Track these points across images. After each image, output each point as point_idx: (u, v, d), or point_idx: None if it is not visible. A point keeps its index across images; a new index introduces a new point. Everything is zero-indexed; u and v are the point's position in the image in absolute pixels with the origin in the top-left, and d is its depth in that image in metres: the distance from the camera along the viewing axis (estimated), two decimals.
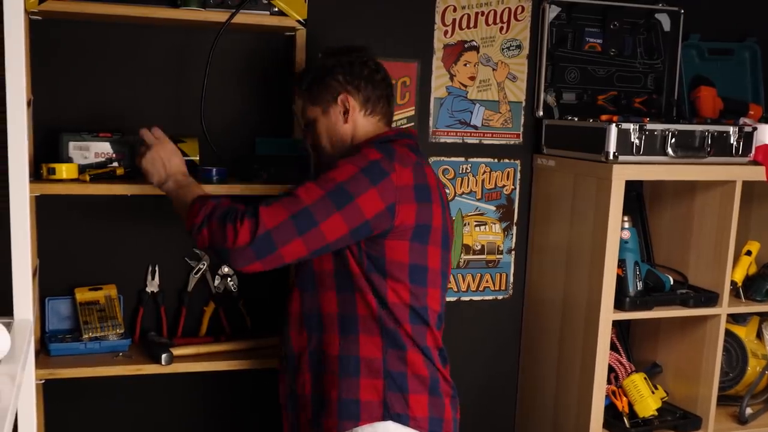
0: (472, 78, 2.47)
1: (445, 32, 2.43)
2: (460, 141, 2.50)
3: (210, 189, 2.07)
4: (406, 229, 1.69)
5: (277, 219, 1.62)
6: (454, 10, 2.42)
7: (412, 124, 2.44)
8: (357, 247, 1.70)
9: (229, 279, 2.32)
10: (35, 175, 2.02)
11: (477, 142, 2.52)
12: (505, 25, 2.48)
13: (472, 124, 2.49)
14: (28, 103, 2.07)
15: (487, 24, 2.45)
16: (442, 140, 2.48)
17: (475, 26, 2.45)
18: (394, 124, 2.40)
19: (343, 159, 1.72)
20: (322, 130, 1.86)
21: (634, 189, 2.57)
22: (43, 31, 2.07)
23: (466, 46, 2.45)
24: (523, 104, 2.55)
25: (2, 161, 2.05)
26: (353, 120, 1.84)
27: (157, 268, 2.28)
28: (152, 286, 2.28)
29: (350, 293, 1.72)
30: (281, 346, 1.91)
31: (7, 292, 1.65)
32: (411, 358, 1.73)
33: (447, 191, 2.49)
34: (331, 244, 1.66)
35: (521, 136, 2.56)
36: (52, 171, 1.99)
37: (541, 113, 2.53)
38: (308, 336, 1.79)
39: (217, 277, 2.32)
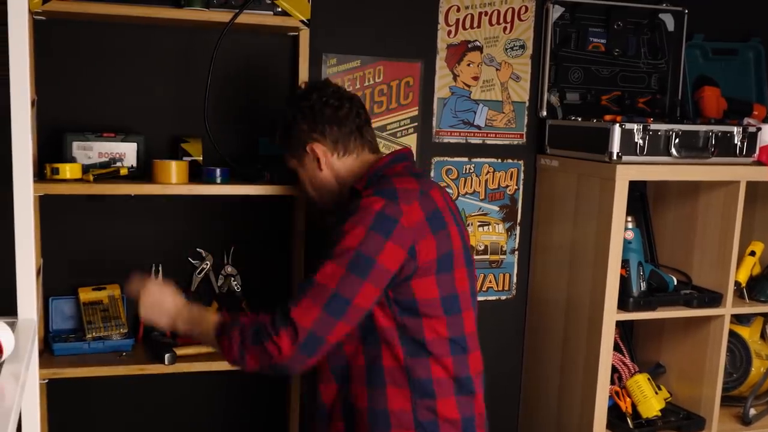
0: (476, 78, 2.47)
1: (449, 32, 2.42)
2: (464, 141, 2.50)
3: (214, 189, 2.08)
4: (430, 264, 1.63)
5: (311, 316, 1.55)
6: (458, 10, 2.42)
7: (416, 124, 2.44)
8: (385, 297, 1.62)
9: (232, 279, 2.32)
10: (39, 175, 2.02)
11: (480, 142, 2.52)
12: (508, 25, 2.47)
13: (475, 124, 2.49)
14: (32, 103, 2.07)
15: (490, 24, 2.45)
16: (445, 140, 2.48)
17: (479, 26, 2.45)
18: (397, 125, 2.41)
19: (347, 222, 1.60)
20: (305, 179, 1.86)
21: (637, 189, 2.56)
22: (46, 31, 2.07)
23: (469, 46, 2.45)
24: (527, 104, 2.54)
25: (6, 161, 2.06)
26: (329, 165, 1.80)
27: (160, 268, 2.28)
28: None
29: (377, 345, 1.65)
30: (310, 397, 1.83)
31: (11, 291, 1.66)
32: (441, 407, 1.66)
33: (450, 192, 2.49)
34: (369, 307, 1.61)
35: (524, 136, 2.56)
36: (56, 171, 1.99)
37: (544, 113, 2.53)
38: (338, 387, 1.72)
39: (220, 277, 2.32)
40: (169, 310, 1.78)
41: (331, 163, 1.79)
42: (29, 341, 1.20)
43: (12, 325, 1.26)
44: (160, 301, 1.79)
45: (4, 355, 1.03)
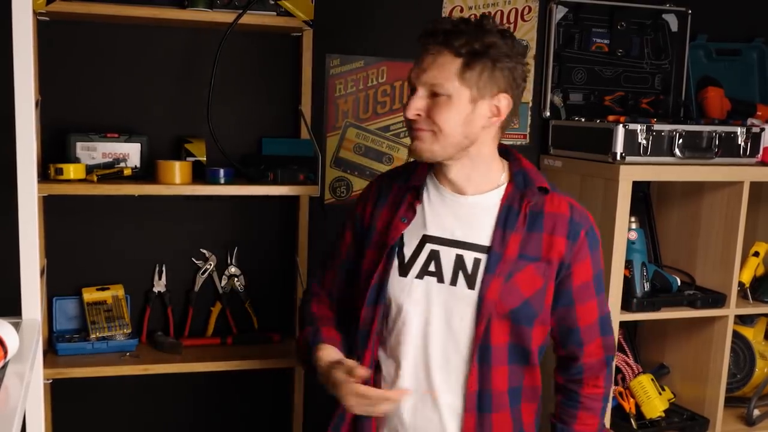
0: None
1: None
2: None
3: (217, 189, 2.08)
4: None
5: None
6: (461, 10, 2.41)
7: None
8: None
9: (235, 279, 2.33)
10: (43, 176, 2.02)
11: None
12: (511, 26, 2.47)
13: None
14: (36, 104, 2.07)
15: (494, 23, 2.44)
16: None
17: None
18: (400, 125, 2.42)
19: (592, 249, 1.55)
20: (457, 116, 1.44)
21: (641, 189, 2.56)
22: (50, 32, 2.07)
23: None
24: (530, 105, 2.54)
25: (10, 162, 2.06)
26: (492, 126, 1.50)
27: (164, 268, 2.28)
28: (159, 286, 2.29)
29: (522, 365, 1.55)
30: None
31: (15, 291, 1.66)
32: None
33: None
34: None
35: (528, 136, 2.55)
36: (60, 171, 1.99)
37: (548, 114, 2.52)
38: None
39: (223, 277, 2.32)
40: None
41: (494, 126, 1.50)
42: (33, 341, 1.20)
43: (16, 326, 1.26)
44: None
45: (9, 356, 1.03)
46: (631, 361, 2.47)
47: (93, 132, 2.09)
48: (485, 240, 1.50)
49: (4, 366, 1.04)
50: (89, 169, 2.05)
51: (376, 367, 1.57)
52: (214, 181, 2.08)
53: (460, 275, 1.49)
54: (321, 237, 2.30)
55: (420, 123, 1.46)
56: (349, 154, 2.38)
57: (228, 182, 2.09)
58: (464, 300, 1.48)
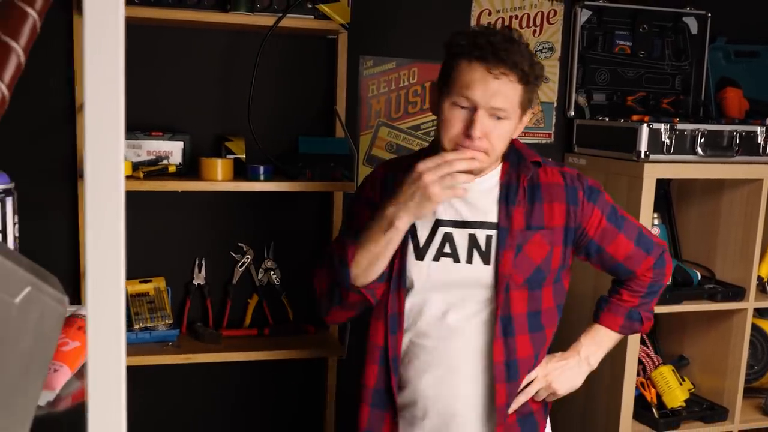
0: None
1: None
2: None
3: (258, 186, 2.11)
4: None
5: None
6: (489, 13, 2.44)
7: None
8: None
9: (272, 272, 2.36)
10: None
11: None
12: (537, 28, 2.50)
13: None
14: (83, 104, 2.11)
15: (520, 27, 2.47)
16: None
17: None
18: (430, 124, 2.44)
19: (600, 197, 1.64)
20: (507, 135, 1.51)
21: (661, 187, 2.58)
22: None
23: None
24: (555, 105, 2.57)
25: (69, 160, 2.09)
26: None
27: (203, 262, 2.32)
28: (199, 278, 2.33)
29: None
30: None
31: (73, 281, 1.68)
32: None
33: None
34: None
35: (553, 135, 2.58)
36: None
37: (572, 113, 2.55)
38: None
39: (260, 270, 2.36)
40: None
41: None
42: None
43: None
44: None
45: None
46: (651, 353, 2.49)
47: (138, 131, 2.13)
48: (493, 217, 1.56)
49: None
50: (135, 166, 2.09)
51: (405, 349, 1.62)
52: (255, 178, 2.12)
53: (475, 253, 1.55)
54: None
55: (479, 143, 1.46)
56: (381, 152, 2.41)
57: (267, 179, 2.13)
58: (482, 276, 1.54)
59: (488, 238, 1.55)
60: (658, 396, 2.42)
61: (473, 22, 2.43)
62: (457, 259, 1.55)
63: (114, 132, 0.39)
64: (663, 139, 2.25)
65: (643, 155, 2.23)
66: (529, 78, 1.47)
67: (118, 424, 0.41)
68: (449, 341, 1.56)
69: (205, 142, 2.26)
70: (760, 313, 2.55)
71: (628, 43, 2.59)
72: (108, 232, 0.42)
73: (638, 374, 2.44)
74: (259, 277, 2.36)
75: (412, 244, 1.57)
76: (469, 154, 1.44)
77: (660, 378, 2.42)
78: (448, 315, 1.56)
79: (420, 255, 1.56)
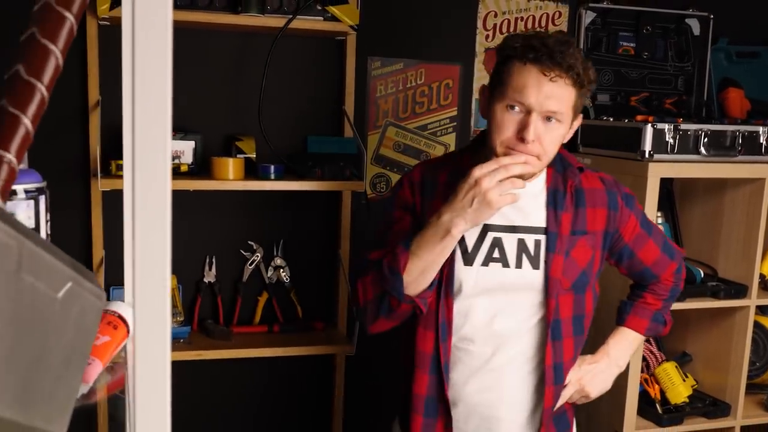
0: None
1: (487, 36, 2.46)
2: None
3: (268, 185, 2.13)
4: None
5: None
6: (495, 15, 2.45)
7: (455, 123, 2.48)
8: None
9: (281, 270, 2.37)
10: (104, 171, 2.07)
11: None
12: (543, 30, 2.50)
13: None
14: (97, 104, 2.13)
15: (525, 28, 2.49)
16: None
17: (515, 31, 2.48)
18: (437, 124, 2.45)
19: (634, 205, 1.67)
20: (559, 139, 1.49)
21: (665, 186, 2.58)
22: (111, 36, 2.12)
23: None
24: None
25: (81, 159, 2.10)
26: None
27: (213, 260, 2.34)
28: (209, 276, 2.34)
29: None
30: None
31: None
32: None
33: None
34: None
35: None
36: (121, 167, 2.03)
37: None
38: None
39: (270, 268, 2.37)
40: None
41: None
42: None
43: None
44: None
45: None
46: (654, 350, 2.50)
47: None
48: (541, 222, 1.54)
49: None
50: None
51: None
52: (265, 177, 2.13)
53: (524, 258, 1.53)
54: (362, 230, 2.34)
55: (532, 148, 1.42)
56: (389, 152, 2.42)
57: (278, 178, 2.14)
58: (532, 280, 1.53)
59: (537, 242, 1.53)
60: (662, 392, 2.43)
61: (479, 24, 2.44)
62: (506, 264, 1.52)
63: (162, 137, 0.40)
64: (667, 139, 2.26)
65: (647, 155, 2.24)
66: (584, 81, 1.44)
67: (163, 417, 0.42)
68: (497, 346, 1.53)
69: (216, 141, 2.27)
70: (762, 310, 2.56)
71: (631, 45, 2.60)
72: (157, 234, 0.43)
73: (642, 371, 2.45)
74: (268, 275, 2.37)
75: (459, 249, 1.52)
76: (522, 158, 1.40)
77: (663, 374, 2.43)
78: (495, 320, 1.53)
79: (468, 260, 1.52)
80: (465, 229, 1.40)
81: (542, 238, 1.53)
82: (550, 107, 1.41)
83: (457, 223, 1.38)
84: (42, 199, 0.89)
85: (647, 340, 2.50)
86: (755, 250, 2.39)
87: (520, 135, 1.41)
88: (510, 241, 1.53)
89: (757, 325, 2.51)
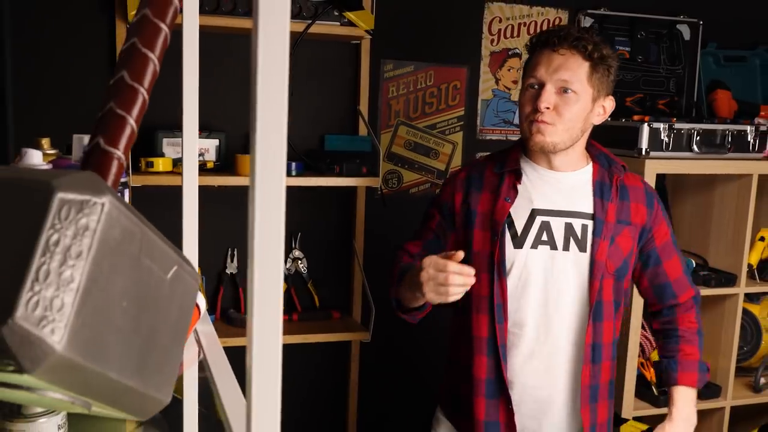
0: (515, 82, 2.54)
1: (492, 41, 2.50)
2: (504, 138, 2.58)
3: (290, 181, 2.15)
4: None
5: None
6: (500, 21, 2.49)
7: (462, 123, 2.51)
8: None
9: (299, 262, 2.41)
10: (134, 168, 2.09)
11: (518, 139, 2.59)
12: None
13: (515, 123, 2.57)
14: None
15: (528, 33, 2.52)
16: (488, 137, 2.55)
17: (518, 35, 2.52)
18: (446, 123, 2.49)
19: (663, 213, 1.65)
20: (581, 113, 1.52)
21: (658, 181, 2.63)
22: None
23: (510, 53, 2.53)
24: None
25: None
26: (595, 122, 1.59)
27: (235, 252, 2.36)
28: (231, 268, 2.37)
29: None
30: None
31: None
32: None
33: None
34: None
35: None
36: (150, 164, 2.07)
37: None
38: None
39: (288, 259, 2.40)
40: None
41: (594, 124, 1.61)
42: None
43: None
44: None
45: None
46: (650, 336, 2.54)
47: (177, 129, 2.16)
48: (588, 208, 1.56)
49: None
50: (174, 163, 2.13)
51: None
52: (287, 173, 2.15)
53: (572, 241, 1.55)
54: (376, 224, 2.38)
55: (546, 116, 1.48)
56: (401, 150, 2.46)
57: (298, 174, 2.17)
58: (578, 263, 1.54)
59: (584, 227, 1.55)
60: (657, 375, 2.47)
61: (485, 29, 2.48)
62: (554, 247, 1.54)
63: (280, 143, 0.43)
64: (662, 138, 2.31)
65: (644, 152, 2.29)
66: (593, 54, 1.48)
67: (275, 407, 0.46)
68: (547, 329, 1.55)
69: (238, 139, 2.30)
70: (750, 297, 2.61)
71: (627, 48, 2.64)
72: (273, 231, 0.47)
73: (638, 356, 2.50)
74: (287, 266, 2.40)
75: (509, 233, 1.54)
76: (470, 281, 1.35)
77: None
78: (545, 303, 1.54)
79: (519, 243, 1.54)
80: (427, 298, 1.39)
81: (589, 223, 1.55)
82: (561, 77, 1.47)
83: (424, 293, 1.37)
84: (126, 193, 0.92)
85: (642, 327, 2.55)
86: (743, 241, 2.44)
87: (535, 105, 1.48)
88: (558, 225, 1.55)
89: (745, 312, 2.56)
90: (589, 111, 1.53)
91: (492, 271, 1.53)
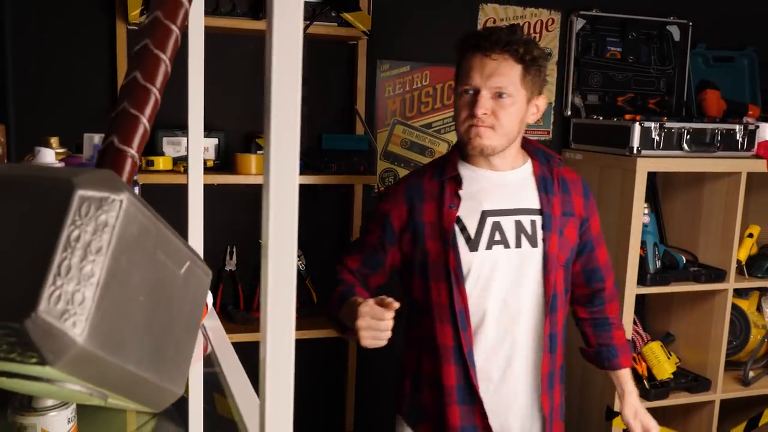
0: None
1: None
2: None
3: None
4: None
5: None
6: (494, 21, 2.50)
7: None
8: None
9: (297, 259, 2.40)
10: None
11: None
12: (537, 35, 2.56)
13: None
14: None
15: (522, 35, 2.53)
16: None
17: None
18: (441, 122, 2.49)
19: (592, 203, 1.67)
20: (517, 115, 1.53)
21: (649, 179, 2.64)
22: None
23: None
24: (553, 105, 2.63)
25: None
26: (529, 122, 1.58)
27: (234, 249, 2.36)
28: (230, 265, 2.37)
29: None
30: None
31: None
32: None
33: None
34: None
35: (551, 132, 2.65)
36: (151, 163, 2.07)
37: (569, 112, 2.61)
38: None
39: None
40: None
41: (528, 121, 1.59)
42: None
43: None
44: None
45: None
46: (641, 331, 2.57)
47: (177, 128, 2.17)
48: (534, 204, 1.58)
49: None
50: (174, 161, 2.13)
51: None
52: None
53: (523, 238, 1.56)
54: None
55: (485, 121, 1.50)
56: (397, 148, 2.47)
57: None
58: (531, 258, 1.56)
59: (533, 223, 1.57)
60: (648, 369, 2.49)
61: (479, 29, 2.48)
62: (507, 245, 1.55)
63: (293, 147, 0.44)
64: (653, 136, 2.32)
65: (635, 150, 2.30)
66: (525, 57, 1.49)
67: (287, 398, 0.46)
68: (508, 325, 1.57)
69: (237, 138, 2.30)
70: (738, 293, 2.63)
71: (618, 49, 2.66)
72: (287, 232, 0.48)
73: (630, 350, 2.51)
74: None
75: (463, 237, 1.54)
76: (382, 338, 1.38)
77: (650, 353, 2.49)
78: (506, 300, 1.55)
79: (473, 246, 1.54)
80: (363, 344, 1.40)
81: (537, 218, 1.58)
82: (495, 83, 1.48)
83: (359, 337, 1.39)
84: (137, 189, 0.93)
85: (634, 323, 2.57)
86: (732, 237, 2.46)
87: (472, 111, 1.50)
88: (508, 223, 1.56)
89: (734, 306, 2.59)
90: (525, 112, 1.55)
91: (449, 279, 1.53)
